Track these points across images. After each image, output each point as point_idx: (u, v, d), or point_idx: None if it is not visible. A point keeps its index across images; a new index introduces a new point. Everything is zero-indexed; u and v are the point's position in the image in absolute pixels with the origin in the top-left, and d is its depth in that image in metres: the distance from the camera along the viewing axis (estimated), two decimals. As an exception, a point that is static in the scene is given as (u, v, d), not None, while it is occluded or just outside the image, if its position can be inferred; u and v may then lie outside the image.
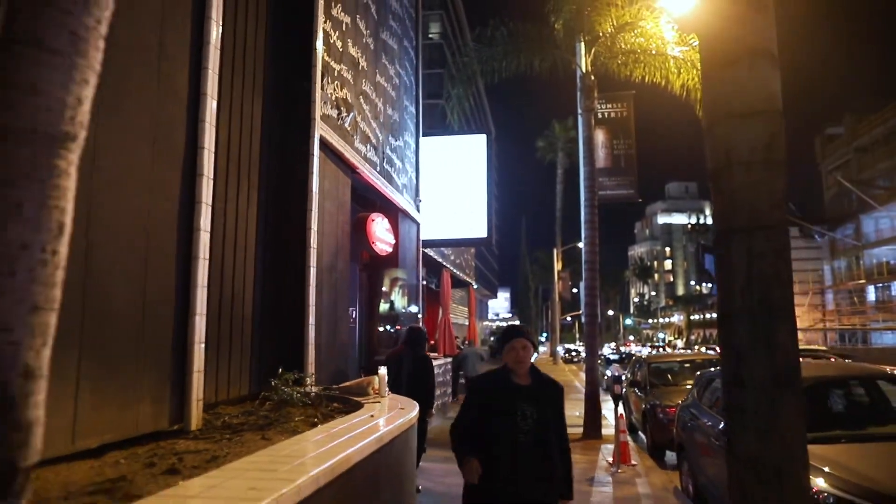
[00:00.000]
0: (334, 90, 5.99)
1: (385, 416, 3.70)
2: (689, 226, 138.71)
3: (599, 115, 13.56)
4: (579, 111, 12.27)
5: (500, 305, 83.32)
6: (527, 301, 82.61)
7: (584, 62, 12.18)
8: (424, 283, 11.12)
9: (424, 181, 10.38)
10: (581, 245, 12.41)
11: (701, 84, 2.61)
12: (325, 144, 5.63)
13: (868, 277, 46.73)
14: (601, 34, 11.90)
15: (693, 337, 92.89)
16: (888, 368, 6.02)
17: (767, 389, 2.26)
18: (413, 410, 3.94)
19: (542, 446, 3.16)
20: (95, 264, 2.74)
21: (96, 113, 2.04)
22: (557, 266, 49.72)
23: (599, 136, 13.52)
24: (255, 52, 4.66)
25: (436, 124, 22.92)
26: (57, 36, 1.55)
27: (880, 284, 46.37)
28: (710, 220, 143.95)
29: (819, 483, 4.11)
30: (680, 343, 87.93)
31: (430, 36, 46.47)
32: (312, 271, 5.14)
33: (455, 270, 16.41)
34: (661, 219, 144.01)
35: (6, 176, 1.48)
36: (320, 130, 5.41)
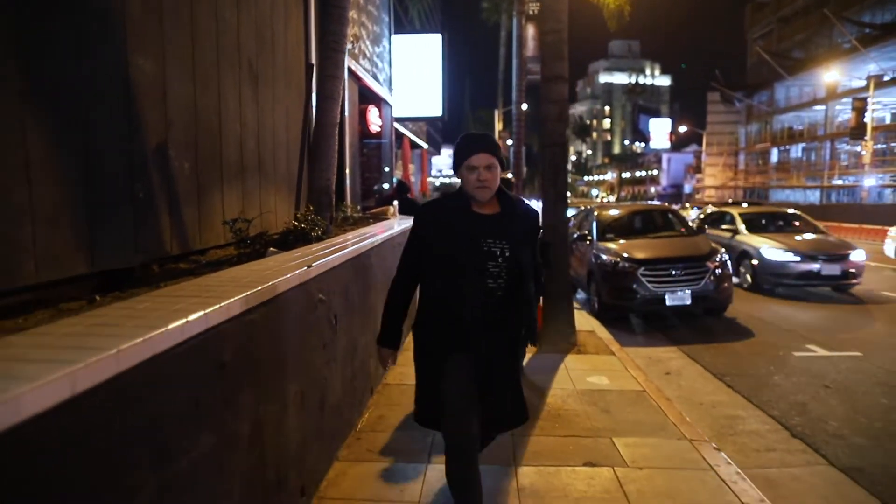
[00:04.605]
0: (349, 30, 9.40)
1: (399, 220, 7.75)
2: (630, 85, 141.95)
3: (531, 13, 16.81)
4: (514, 13, 15.58)
5: (443, 162, 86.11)
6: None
7: (519, -29, 15.29)
8: (394, 148, 14.83)
9: (394, 72, 13.79)
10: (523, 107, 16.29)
11: (540, 87, 6.46)
12: (348, 69, 9.17)
13: (773, 141, 52.11)
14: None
15: (623, 193, 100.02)
16: (675, 206, 10.63)
17: (554, 201, 6.44)
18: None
19: (513, 296, 2.53)
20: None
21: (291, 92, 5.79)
22: (498, 126, 53.12)
23: (530, 30, 16.88)
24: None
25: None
26: (336, 80, 5.30)
27: (782, 147, 51.91)
28: (649, 81, 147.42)
29: (616, 258, 8.52)
30: (612, 198, 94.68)
31: None
32: (347, 148, 8.93)
33: (412, 137, 20.05)
34: (603, 77, 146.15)
35: (323, 139, 5.28)
36: (346, 62, 8.93)
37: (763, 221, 12.18)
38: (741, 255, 11.17)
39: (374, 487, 3.33)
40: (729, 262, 8.63)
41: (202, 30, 4.51)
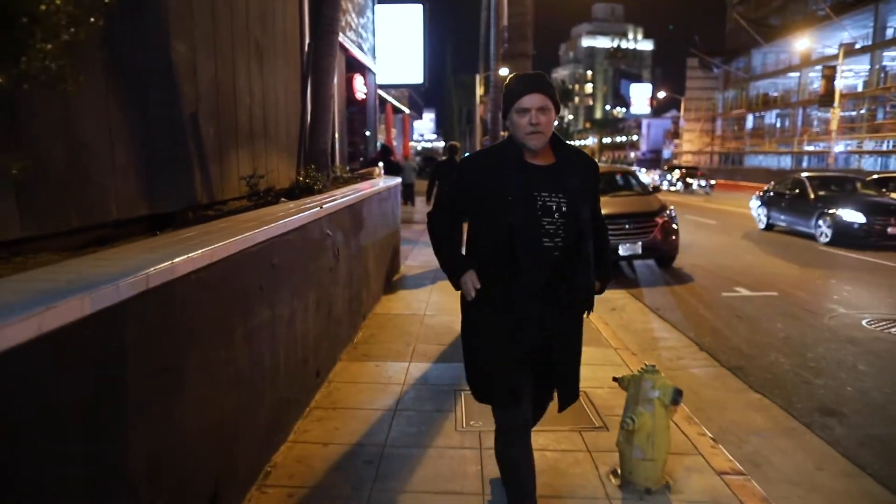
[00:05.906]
0: (338, 4, 10.19)
1: (384, 181, 8.73)
2: (612, 50, 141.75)
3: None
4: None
5: (425, 126, 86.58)
6: (451, 123, 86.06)
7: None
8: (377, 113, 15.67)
9: (377, 41, 14.57)
10: (501, 72, 17.16)
11: (511, 63, 7.41)
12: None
13: (748, 107, 53.16)
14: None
15: (604, 158, 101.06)
16: (640, 169, 11.67)
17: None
18: (396, 180, 8.99)
19: (572, 257, 2.26)
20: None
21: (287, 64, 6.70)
22: (480, 91, 53.63)
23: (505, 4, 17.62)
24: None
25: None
26: (330, 57, 6.22)
27: (757, 114, 53.00)
28: (632, 45, 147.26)
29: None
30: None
31: None
32: (336, 114, 9.82)
33: (394, 102, 20.83)
34: (586, 41, 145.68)
35: (320, 108, 6.22)
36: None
37: None
38: None
39: (369, 375, 4.42)
40: (676, 217, 9.76)
41: (219, 14, 5.40)
